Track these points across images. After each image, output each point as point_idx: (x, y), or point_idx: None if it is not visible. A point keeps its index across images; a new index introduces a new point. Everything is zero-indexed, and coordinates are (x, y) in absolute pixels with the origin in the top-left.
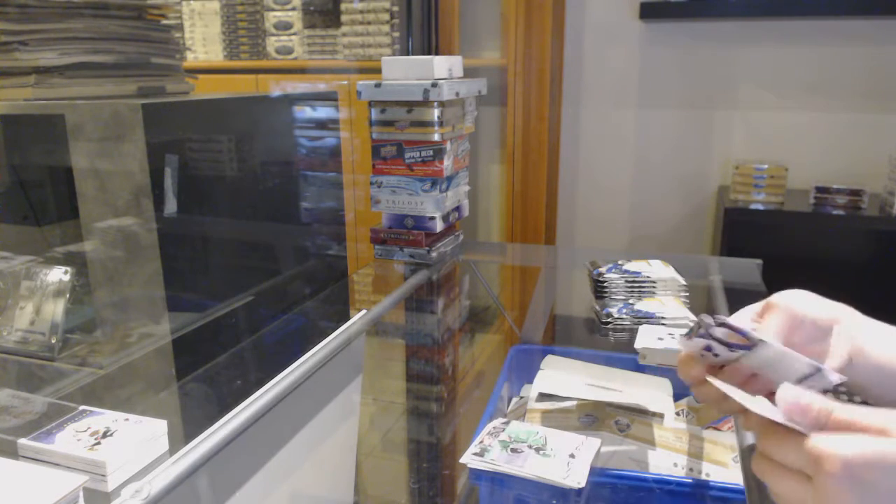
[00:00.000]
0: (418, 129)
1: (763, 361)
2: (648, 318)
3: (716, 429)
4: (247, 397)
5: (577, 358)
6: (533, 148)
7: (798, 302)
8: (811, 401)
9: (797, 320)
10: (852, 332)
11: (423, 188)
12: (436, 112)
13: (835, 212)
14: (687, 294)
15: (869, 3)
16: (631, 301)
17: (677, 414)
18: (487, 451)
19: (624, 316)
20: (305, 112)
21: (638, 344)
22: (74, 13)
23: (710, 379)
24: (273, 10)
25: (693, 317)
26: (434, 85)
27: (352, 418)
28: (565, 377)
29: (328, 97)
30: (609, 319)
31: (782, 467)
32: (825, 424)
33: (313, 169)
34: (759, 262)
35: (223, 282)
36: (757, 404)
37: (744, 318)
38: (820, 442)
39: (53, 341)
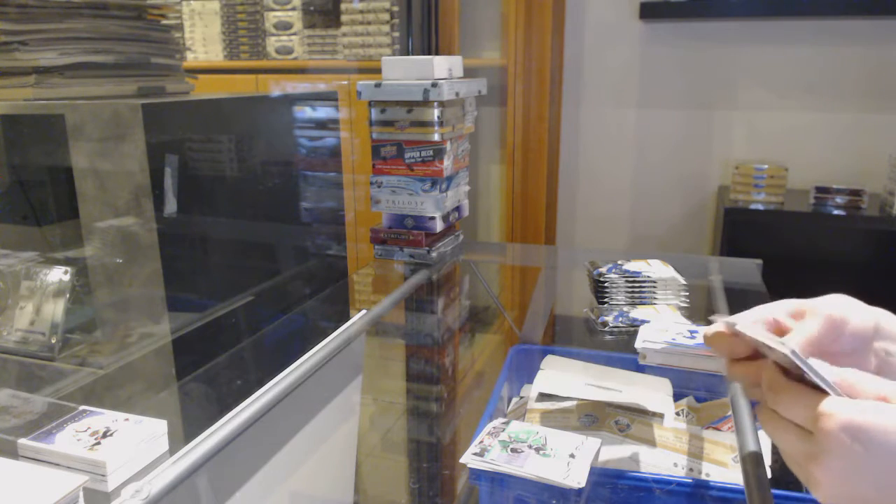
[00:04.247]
0: (418, 129)
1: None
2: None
3: (716, 429)
4: (247, 397)
5: (577, 358)
6: (533, 148)
7: (839, 310)
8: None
9: (837, 331)
10: (886, 342)
11: (423, 188)
12: (436, 112)
13: (835, 212)
14: (687, 294)
15: (869, 3)
16: (626, 309)
17: (677, 414)
18: (487, 451)
19: (620, 324)
20: (305, 112)
21: (638, 344)
22: (74, 13)
23: (742, 328)
24: (273, 10)
25: (687, 322)
26: (434, 85)
27: (352, 418)
28: (565, 377)
29: (328, 97)
30: (605, 329)
31: (788, 422)
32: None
33: (313, 169)
34: (759, 262)
35: (223, 282)
36: (805, 362)
37: (779, 312)
38: (825, 403)
39: (53, 341)
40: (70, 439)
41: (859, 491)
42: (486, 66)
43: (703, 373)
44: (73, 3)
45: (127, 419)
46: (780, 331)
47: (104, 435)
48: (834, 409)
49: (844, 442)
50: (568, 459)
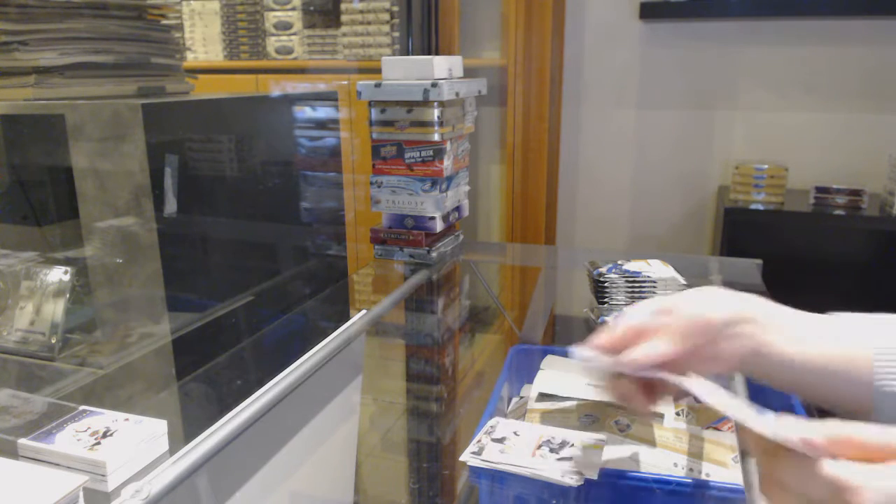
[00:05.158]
0: (418, 129)
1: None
2: None
3: (716, 429)
4: (247, 397)
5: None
6: (533, 148)
7: (697, 305)
8: (811, 432)
9: (695, 324)
10: (756, 329)
11: (423, 188)
12: (436, 112)
13: (835, 212)
14: None
15: (869, 3)
16: (626, 309)
17: (677, 414)
18: (486, 449)
19: None
20: (305, 112)
21: None
22: (74, 13)
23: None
24: (273, 10)
25: None
26: (434, 85)
27: (352, 418)
28: (565, 377)
29: (328, 97)
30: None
31: (799, 496)
32: (826, 447)
33: (313, 169)
34: (759, 262)
35: (223, 282)
36: (755, 420)
37: (642, 311)
38: (847, 474)
39: (53, 341)
40: (70, 439)
41: None
42: (486, 66)
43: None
44: (73, 3)
45: (127, 419)
46: (650, 331)
47: (104, 435)
48: (861, 483)
49: None
50: None
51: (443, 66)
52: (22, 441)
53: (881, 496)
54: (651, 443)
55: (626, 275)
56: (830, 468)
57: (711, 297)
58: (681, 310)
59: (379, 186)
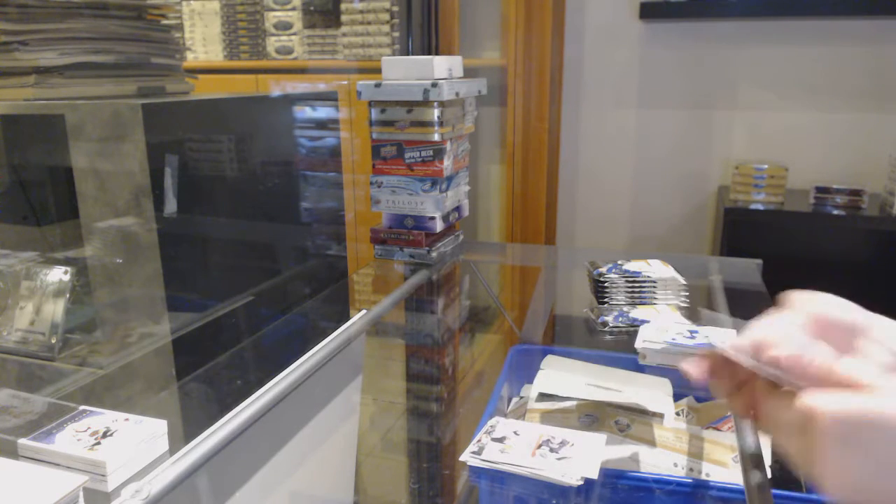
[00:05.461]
0: (418, 129)
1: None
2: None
3: (716, 429)
4: (247, 397)
5: (577, 358)
6: (533, 148)
7: (819, 303)
8: (813, 357)
9: (820, 322)
10: (891, 340)
11: (423, 188)
12: (436, 112)
13: (835, 212)
14: (687, 294)
15: (869, 3)
16: (626, 309)
17: (677, 414)
18: (486, 449)
19: (620, 324)
20: (305, 112)
21: (638, 344)
22: (74, 13)
23: (723, 349)
24: (273, 10)
25: (687, 322)
26: (434, 85)
27: (352, 418)
28: (565, 377)
29: (328, 97)
30: (605, 329)
31: (785, 426)
32: (827, 381)
33: (313, 169)
34: (759, 262)
35: (223, 282)
36: (761, 367)
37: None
38: (808, 399)
39: (53, 341)
40: (70, 439)
41: (863, 481)
42: (486, 66)
43: None
44: (73, 3)
45: (127, 419)
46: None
47: (104, 435)
48: (818, 404)
49: (837, 434)
50: None
51: (443, 66)
52: (22, 441)
53: (839, 415)
54: (651, 443)
55: (626, 275)
56: (799, 399)
57: (839, 300)
58: (828, 313)
59: (379, 186)
